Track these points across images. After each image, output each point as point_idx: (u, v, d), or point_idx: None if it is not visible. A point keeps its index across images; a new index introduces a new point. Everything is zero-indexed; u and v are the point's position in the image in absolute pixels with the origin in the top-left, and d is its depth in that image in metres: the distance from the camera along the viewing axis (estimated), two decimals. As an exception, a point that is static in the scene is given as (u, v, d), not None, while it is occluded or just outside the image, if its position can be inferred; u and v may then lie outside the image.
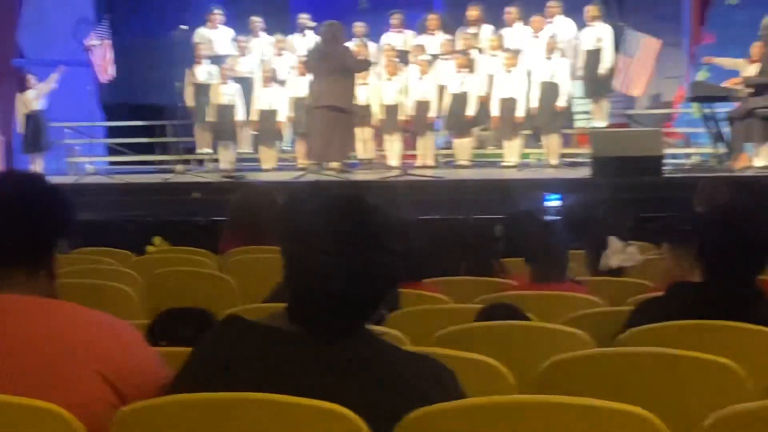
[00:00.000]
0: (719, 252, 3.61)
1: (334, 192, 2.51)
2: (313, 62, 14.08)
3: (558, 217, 8.52)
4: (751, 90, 13.13)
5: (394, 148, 15.59)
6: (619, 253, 6.01)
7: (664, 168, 12.44)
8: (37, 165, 16.17)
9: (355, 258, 2.34)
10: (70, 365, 2.42)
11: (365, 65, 14.58)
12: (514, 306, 4.13)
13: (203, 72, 16.04)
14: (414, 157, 15.82)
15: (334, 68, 13.69)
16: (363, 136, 15.48)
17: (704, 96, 13.80)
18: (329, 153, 14.09)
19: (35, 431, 2.31)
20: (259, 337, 2.41)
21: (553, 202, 10.62)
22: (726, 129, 13.62)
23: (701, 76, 16.42)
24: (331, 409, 2.23)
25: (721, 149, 13.73)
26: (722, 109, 13.87)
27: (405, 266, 2.34)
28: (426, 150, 15.70)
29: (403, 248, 2.46)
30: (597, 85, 15.51)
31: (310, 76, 14.29)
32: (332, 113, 13.79)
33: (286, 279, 2.45)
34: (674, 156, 15.38)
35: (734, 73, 13.90)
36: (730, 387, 2.85)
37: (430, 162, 15.63)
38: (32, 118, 16.33)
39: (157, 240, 9.11)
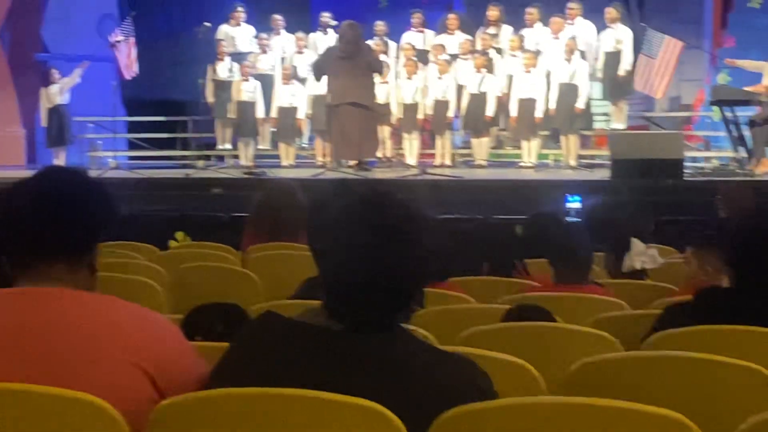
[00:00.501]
0: (749, 258, 3.60)
1: (363, 188, 2.54)
2: (330, 61, 14.11)
3: (579, 219, 8.50)
4: (773, 94, 13.11)
5: (412, 147, 15.60)
6: (642, 255, 6.02)
7: (684, 171, 12.41)
8: (59, 159, 16.27)
9: (388, 251, 2.37)
10: (110, 358, 2.45)
11: (382, 66, 14.62)
12: (543, 308, 4.14)
13: (224, 69, 16.10)
14: (432, 156, 15.84)
15: (359, 66, 13.74)
16: (381, 134, 15.50)
17: (725, 99, 13.79)
18: (355, 151, 14.13)
19: (76, 423, 2.34)
20: (297, 334, 2.44)
21: (574, 203, 10.61)
22: (747, 133, 13.59)
23: (722, 79, 16.42)
24: (369, 406, 2.25)
25: (742, 153, 13.71)
26: (743, 112, 13.85)
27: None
28: (444, 149, 15.71)
29: (434, 244, 2.48)
30: (616, 86, 15.49)
31: (324, 77, 14.32)
32: (357, 110, 13.84)
33: (321, 274, 2.47)
34: (694, 159, 15.34)
35: (756, 77, 13.88)
36: (762, 392, 2.86)
37: (448, 161, 15.64)
38: (55, 113, 16.43)
39: (179, 235, 9.14)
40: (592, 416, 2.32)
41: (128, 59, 16.79)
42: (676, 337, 3.48)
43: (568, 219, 8.73)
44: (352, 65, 13.78)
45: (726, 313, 3.54)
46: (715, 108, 14.59)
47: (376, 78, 14.52)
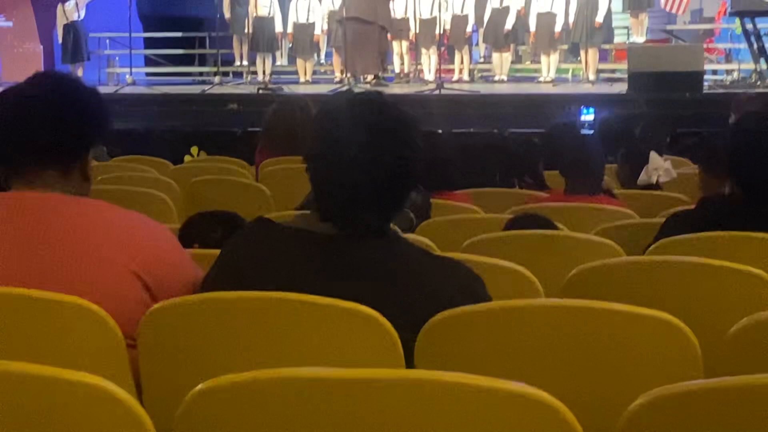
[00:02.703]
0: (750, 162, 3.55)
1: (354, 95, 2.54)
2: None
3: (593, 131, 8.47)
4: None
5: (430, 62, 15.50)
6: (659, 169, 6.00)
7: (703, 84, 12.32)
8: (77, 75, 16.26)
9: (377, 150, 2.36)
10: (104, 262, 2.45)
11: None
12: (545, 216, 4.13)
13: (242, -18, 16.00)
14: (450, 71, 15.74)
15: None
16: (399, 49, 15.40)
17: (747, 11, 13.61)
18: (361, 65, 14.07)
19: (68, 327, 2.35)
20: (288, 238, 2.43)
21: (589, 116, 10.56)
22: (768, 45, 13.46)
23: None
24: (360, 310, 2.24)
25: (763, 65, 13.57)
26: (765, 24, 13.68)
27: (437, 175, 2.36)
28: (462, 64, 15.61)
29: (441, 154, 2.47)
30: (636, -1, 15.33)
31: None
32: (359, 25, 13.76)
33: (311, 176, 2.47)
34: (714, 72, 15.20)
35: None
36: (760, 297, 2.84)
37: (467, 77, 15.55)
38: (71, 29, 16.40)
39: (194, 150, 9.16)
40: (586, 319, 2.31)
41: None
42: (677, 244, 3.46)
43: (583, 131, 8.68)
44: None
45: (727, 220, 3.51)
46: (737, 20, 14.40)
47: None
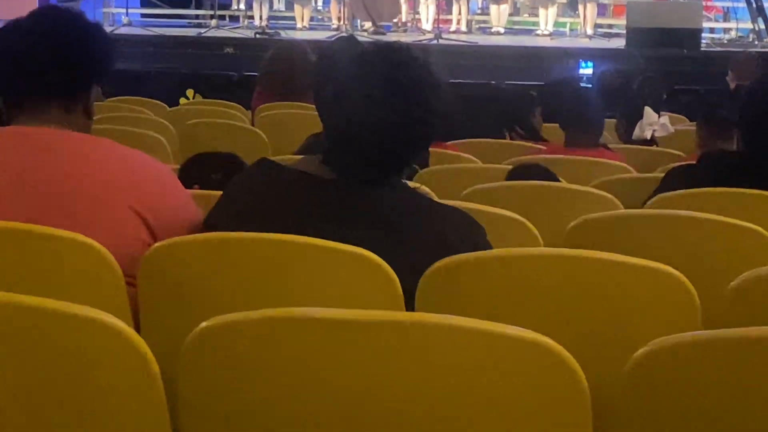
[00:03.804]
0: (757, 120, 3.54)
1: (380, 42, 2.49)
2: None
3: (591, 85, 8.45)
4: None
5: (428, 12, 15.43)
6: (654, 124, 6.00)
7: (701, 42, 12.29)
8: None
9: (395, 107, 2.32)
10: (105, 199, 2.44)
11: None
12: (546, 167, 4.12)
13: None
14: (448, 22, 15.68)
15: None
16: (399, -2, 15.34)
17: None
18: (374, 13, 14.02)
19: (68, 262, 2.34)
20: (291, 180, 2.42)
21: (587, 69, 10.53)
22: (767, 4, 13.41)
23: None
24: (361, 253, 2.23)
25: (761, 25, 13.53)
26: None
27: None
28: (461, 15, 15.55)
29: (443, 107, 2.44)
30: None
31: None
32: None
33: (326, 122, 2.45)
34: (712, 30, 15.15)
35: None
36: (759, 253, 2.84)
37: (464, 27, 15.49)
38: (68, -31, 16.24)
39: (190, 92, 9.12)
40: (586, 268, 2.31)
41: None
42: (677, 198, 3.46)
43: (582, 84, 8.66)
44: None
45: (730, 176, 3.50)
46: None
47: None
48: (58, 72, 2.55)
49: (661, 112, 6.21)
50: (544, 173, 4.04)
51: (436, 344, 1.64)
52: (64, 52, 2.55)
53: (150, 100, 7.63)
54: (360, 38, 12.41)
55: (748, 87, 3.76)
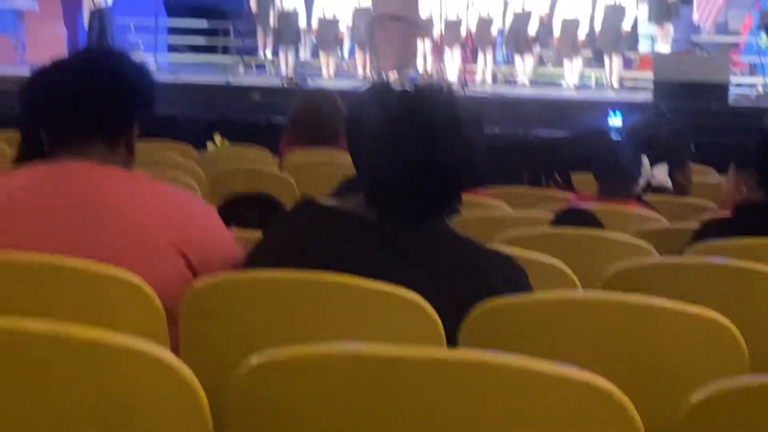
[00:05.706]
0: None
1: (418, 84, 2.49)
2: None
3: (620, 136, 8.46)
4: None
5: (453, 63, 15.49)
6: (646, 171, 5.99)
7: (728, 96, 12.29)
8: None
9: (434, 147, 2.33)
10: (148, 236, 2.44)
11: None
12: (593, 214, 4.12)
13: (267, -24, 16.02)
14: (473, 72, 15.73)
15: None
16: (423, 49, 15.40)
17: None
18: (393, 61, 14.10)
19: (111, 299, 2.34)
20: (334, 220, 2.41)
21: (616, 119, 10.53)
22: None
23: (772, 4, 16.13)
24: (404, 295, 2.22)
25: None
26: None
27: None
28: (486, 66, 15.61)
29: (480, 145, 2.44)
30: (663, 9, 15.26)
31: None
32: (395, 23, 13.78)
33: (360, 164, 2.44)
34: (739, 85, 15.16)
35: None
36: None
37: (489, 78, 15.54)
38: (98, 15, 16.38)
39: (217, 137, 9.14)
40: (631, 314, 2.30)
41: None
42: (714, 248, 3.44)
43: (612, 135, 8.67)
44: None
45: (763, 227, 3.49)
46: (763, 33, 14.37)
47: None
48: (103, 108, 2.56)
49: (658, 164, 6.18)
50: (592, 219, 4.05)
51: (490, 383, 1.63)
52: (107, 89, 2.57)
53: (179, 144, 7.65)
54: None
55: (763, 138, 3.76)
